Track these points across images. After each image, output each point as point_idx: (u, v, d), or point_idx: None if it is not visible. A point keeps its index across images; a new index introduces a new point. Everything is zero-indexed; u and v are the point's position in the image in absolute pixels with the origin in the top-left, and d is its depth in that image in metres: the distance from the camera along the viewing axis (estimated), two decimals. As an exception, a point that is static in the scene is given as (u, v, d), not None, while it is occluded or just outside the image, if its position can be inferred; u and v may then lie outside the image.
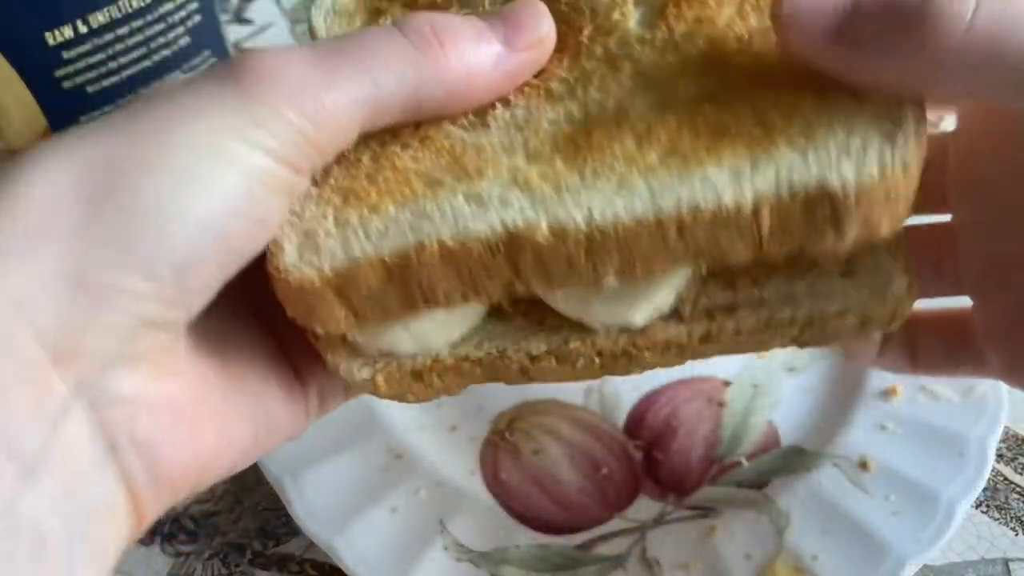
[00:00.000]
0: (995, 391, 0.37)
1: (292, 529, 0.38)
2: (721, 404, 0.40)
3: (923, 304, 0.26)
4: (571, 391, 0.41)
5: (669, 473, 0.38)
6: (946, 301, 0.29)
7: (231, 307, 0.25)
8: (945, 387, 0.38)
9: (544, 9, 0.24)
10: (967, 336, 0.28)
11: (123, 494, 0.21)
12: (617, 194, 0.22)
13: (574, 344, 0.25)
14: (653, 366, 0.26)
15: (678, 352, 0.26)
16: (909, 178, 0.21)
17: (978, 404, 0.37)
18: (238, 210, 0.21)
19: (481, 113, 0.24)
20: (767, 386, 0.40)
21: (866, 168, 0.21)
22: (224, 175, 0.21)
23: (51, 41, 0.39)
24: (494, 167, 0.23)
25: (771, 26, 0.23)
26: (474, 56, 0.23)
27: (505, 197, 0.23)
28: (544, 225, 0.22)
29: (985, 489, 0.37)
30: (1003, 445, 0.39)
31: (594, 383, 0.41)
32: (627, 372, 0.26)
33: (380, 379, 0.25)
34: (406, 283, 0.23)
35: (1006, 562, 0.36)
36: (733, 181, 0.21)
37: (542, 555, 0.35)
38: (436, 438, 0.39)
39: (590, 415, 0.40)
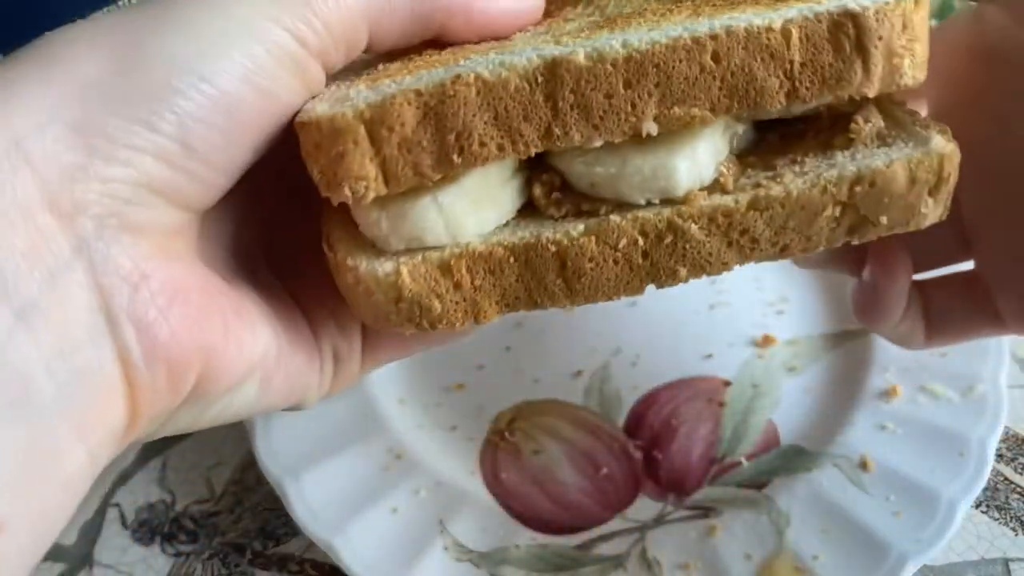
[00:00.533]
0: (995, 391, 0.37)
1: (292, 529, 0.38)
2: (721, 404, 0.40)
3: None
4: (571, 391, 0.41)
5: (669, 473, 0.38)
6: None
7: (254, 259, 0.26)
8: (945, 387, 0.38)
9: None
10: (978, 293, 0.29)
11: (118, 373, 0.21)
12: (651, 31, 0.22)
13: (615, 219, 0.24)
14: (704, 254, 0.24)
15: (727, 226, 0.24)
16: (921, 11, 0.22)
17: (978, 404, 0.37)
18: (245, 75, 0.21)
19: (502, 40, 0.25)
20: (767, 386, 0.40)
21: None
22: (234, 39, 0.21)
23: (51, 41, 0.39)
24: (523, 38, 0.24)
25: None
26: None
27: (539, 45, 0.23)
28: (582, 53, 0.22)
29: (985, 489, 0.37)
30: (1003, 445, 0.39)
31: (594, 383, 0.41)
32: (676, 268, 0.24)
33: (405, 272, 0.24)
34: (440, 125, 0.22)
35: (1006, 562, 0.36)
36: (760, 14, 0.22)
37: (542, 555, 0.35)
38: (436, 438, 0.39)
39: (590, 415, 0.40)
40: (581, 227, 0.24)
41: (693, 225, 0.24)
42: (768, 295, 0.44)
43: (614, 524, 0.36)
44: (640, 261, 0.24)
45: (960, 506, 0.34)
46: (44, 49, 0.21)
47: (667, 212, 0.24)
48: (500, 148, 0.23)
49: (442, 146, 0.23)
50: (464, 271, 0.24)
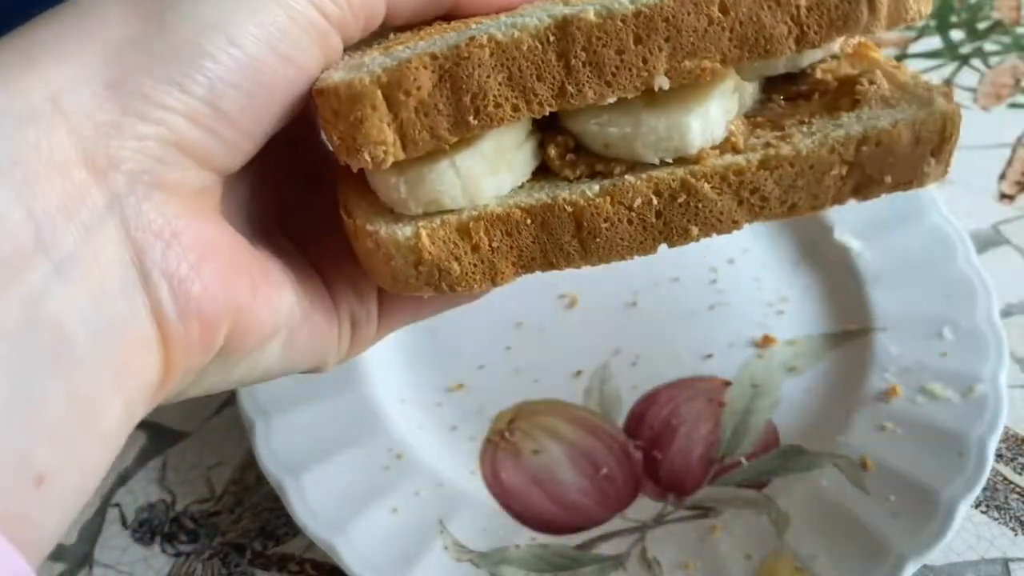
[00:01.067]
0: (995, 391, 0.37)
1: (292, 529, 0.38)
2: (721, 404, 0.40)
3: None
4: (571, 391, 0.41)
5: (669, 473, 0.38)
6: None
7: (271, 224, 0.27)
8: (945, 387, 0.38)
9: None
10: None
11: (152, 326, 0.21)
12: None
13: (629, 179, 0.24)
14: (716, 213, 0.25)
15: (738, 185, 0.24)
16: None
17: (978, 404, 0.37)
18: (270, 40, 0.22)
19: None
20: (767, 386, 0.40)
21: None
22: (259, 5, 0.22)
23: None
24: (533, 8, 0.24)
25: None
26: None
27: (549, 6, 0.23)
28: (592, 11, 0.22)
29: (985, 489, 0.37)
30: (1003, 445, 0.39)
31: (594, 383, 0.41)
32: (689, 227, 0.25)
33: (424, 235, 0.24)
34: (456, 87, 0.23)
35: (1006, 562, 0.36)
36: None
37: (542, 555, 0.35)
38: (436, 438, 0.39)
39: (590, 415, 0.40)
40: (596, 188, 0.25)
41: (706, 184, 0.24)
42: (768, 295, 0.44)
43: (614, 524, 0.36)
44: (653, 220, 0.25)
45: (960, 506, 0.34)
46: (77, 9, 0.21)
47: (680, 172, 0.24)
48: (515, 108, 0.23)
49: (458, 108, 0.23)
50: (482, 233, 0.24)
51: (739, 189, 0.24)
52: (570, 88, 0.23)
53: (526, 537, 0.36)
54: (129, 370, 0.21)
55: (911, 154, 0.24)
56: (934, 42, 0.58)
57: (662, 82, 0.23)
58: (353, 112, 0.23)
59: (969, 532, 0.37)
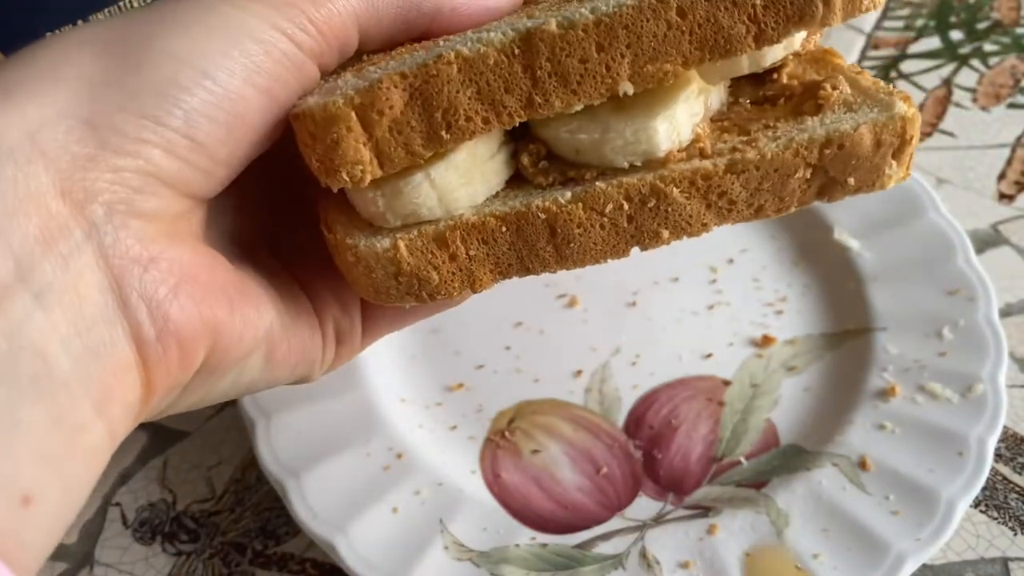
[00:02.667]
0: (994, 391, 0.37)
1: (293, 528, 0.38)
2: (721, 403, 0.40)
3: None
4: (571, 391, 0.41)
5: (669, 472, 0.38)
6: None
7: (253, 242, 0.27)
8: (944, 387, 0.38)
9: None
10: None
11: (131, 349, 0.22)
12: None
13: (601, 185, 0.25)
14: (685, 216, 0.25)
15: (706, 189, 0.25)
16: None
17: (977, 404, 0.37)
18: (245, 73, 0.22)
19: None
20: (766, 385, 0.40)
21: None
22: (234, 39, 0.22)
23: (52, 41, 0.39)
24: (498, 25, 0.25)
25: None
26: None
27: (513, 20, 0.24)
28: (553, 22, 0.23)
29: (984, 488, 0.37)
30: (1002, 445, 0.39)
31: (594, 382, 0.41)
32: (660, 230, 0.26)
33: (402, 246, 0.25)
34: (427, 104, 0.24)
35: (1005, 561, 0.36)
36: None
37: (542, 554, 0.35)
38: (436, 438, 0.40)
39: (590, 414, 0.40)
40: (568, 194, 0.25)
41: (675, 188, 0.25)
42: (767, 295, 0.44)
43: (614, 523, 0.37)
44: (625, 225, 0.25)
45: (959, 505, 0.34)
46: (51, 47, 0.21)
47: (650, 177, 0.25)
48: (485, 121, 0.24)
49: (430, 124, 0.24)
50: (459, 242, 0.25)
51: (707, 193, 0.25)
52: (537, 98, 0.24)
53: (526, 536, 0.36)
54: (111, 392, 0.21)
55: (873, 156, 0.25)
56: (933, 42, 0.58)
57: (627, 87, 0.24)
58: (329, 134, 0.23)
59: (968, 531, 0.37)
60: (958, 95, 0.55)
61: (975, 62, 0.57)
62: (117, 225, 0.21)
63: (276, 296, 0.27)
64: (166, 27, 0.22)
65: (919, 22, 0.60)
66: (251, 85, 0.23)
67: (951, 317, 0.40)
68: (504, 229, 0.25)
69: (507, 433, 0.40)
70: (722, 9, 0.23)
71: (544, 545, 0.36)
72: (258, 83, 0.23)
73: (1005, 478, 0.38)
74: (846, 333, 0.42)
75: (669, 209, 0.25)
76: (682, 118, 0.25)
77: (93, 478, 0.21)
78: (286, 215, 0.29)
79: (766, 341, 0.42)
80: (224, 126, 0.22)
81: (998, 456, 0.39)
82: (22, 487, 0.19)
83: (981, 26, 0.59)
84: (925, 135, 0.53)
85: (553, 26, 0.23)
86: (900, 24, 0.60)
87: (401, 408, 0.40)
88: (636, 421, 0.40)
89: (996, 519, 0.37)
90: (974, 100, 0.54)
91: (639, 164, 0.25)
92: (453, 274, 0.25)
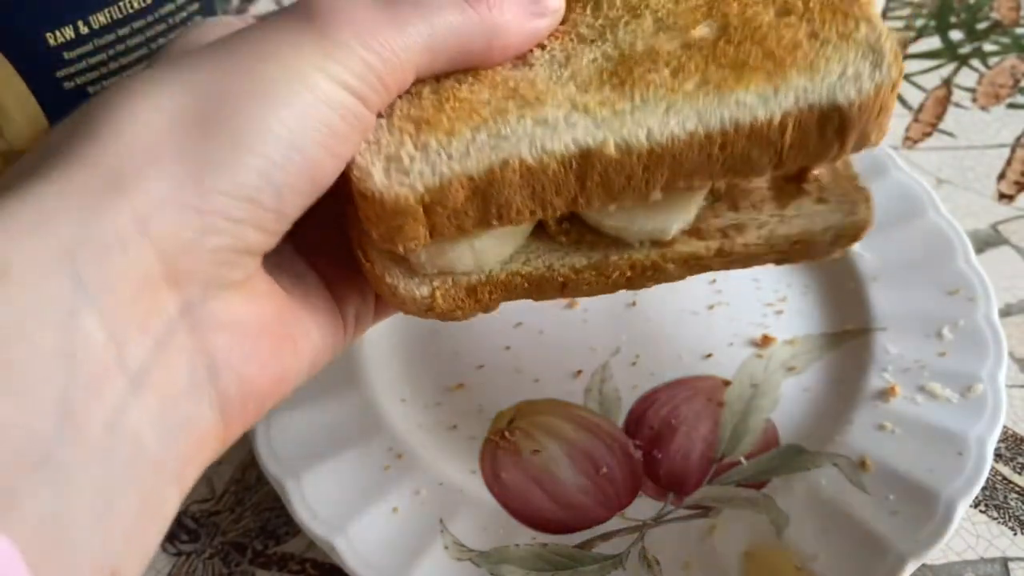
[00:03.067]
0: (994, 391, 0.37)
1: (293, 528, 0.38)
2: (720, 403, 0.40)
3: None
4: (571, 391, 0.41)
5: (668, 472, 0.38)
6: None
7: (281, 247, 0.27)
8: (944, 387, 0.38)
9: None
10: None
11: (216, 414, 0.22)
12: (668, 115, 0.26)
13: (613, 258, 0.29)
14: (671, 279, 0.30)
15: (696, 266, 0.30)
16: (894, 94, 0.26)
17: (977, 404, 0.37)
18: (325, 141, 0.23)
19: (521, 55, 0.27)
20: (766, 385, 0.40)
21: (865, 87, 0.26)
22: (312, 105, 0.22)
23: (52, 42, 0.39)
24: (552, 96, 0.26)
25: None
26: (512, 9, 0.26)
27: (570, 120, 0.26)
28: (612, 143, 0.26)
29: (984, 488, 0.37)
30: (1002, 445, 0.39)
31: (594, 383, 0.41)
32: (647, 284, 0.30)
33: (439, 296, 0.28)
34: (486, 201, 0.26)
35: (1005, 561, 0.36)
36: (762, 103, 0.26)
37: (542, 554, 0.35)
38: (436, 438, 0.40)
39: (590, 414, 0.40)
40: (585, 261, 0.29)
41: (671, 264, 0.30)
42: (767, 295, 0.44)
43: (614, 523, 0.37)
44: (623, 283, 0.30)
45: (959, 505, 0.34)
46: (138, 123, 0.21)
47: (654, 255, 0.29)
48: (532, 213, 0.27)
49: (485, 214, 0.26)
50: (486, 293, 0.29)
51: (694, 267, 0.30)
52: (581, 200, 0.27)
53: (526, 536, 0.36)
54: (192, 461, 0.22)
55: (827, 248, 0.30)
56: (933, 42, 0.58)
57: (656, 196, 0.27)
58: (395, 221, 0.25)
59: (968, 531, 0.37)
60: (958, 95, 0.55)
61: (975, 62, 0.57)
62: (209, 299, 0.22)
63: (315, 309, 0.27)
64: (251, 97, 0.22)
65: (919, 22, 0.60)
66: (330, 153, 0.23)
67: (951, 317, 0.40)
68: (526, 285, 0.29)
69: (507, 433, 0.40)
70: (757, 146, 0.26)
71: (544, 545, 0.36)
72: (334, 149, 0.23)
73: (1005, 478, 0.38)
74: (846, 333, 0.42)
75: (661, 275, 0.30)
76: (693, 211, 0.30)
77: (162, 535, 0.22)
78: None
79: (766, 341, 0.42)
80: (306, 194, 0.23)
81: (998, 456, 0.39)
82: (111, 564, 0.20)
83: (981, 26, 0.59)
84: (925, 135, 0.53)
85: (612, 149, 0.26)
86: (900, 24, 0.60)
87: (401, 408, 0.41)
88: (636, 421, 0.40)
89: (996, 519, 0.37)
90: (974, 100, 0.54)
91: (647, 243, 0.29)
92: (474, 310, 0.29)
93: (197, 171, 0.21)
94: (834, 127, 0.26)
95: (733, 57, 0.26)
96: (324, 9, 0.23)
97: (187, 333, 0.21)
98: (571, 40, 0.28)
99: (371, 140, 0.25)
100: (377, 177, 0.25)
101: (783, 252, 0.30)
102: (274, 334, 0.24)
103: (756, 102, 0.26)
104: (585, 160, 0.26)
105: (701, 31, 0.27)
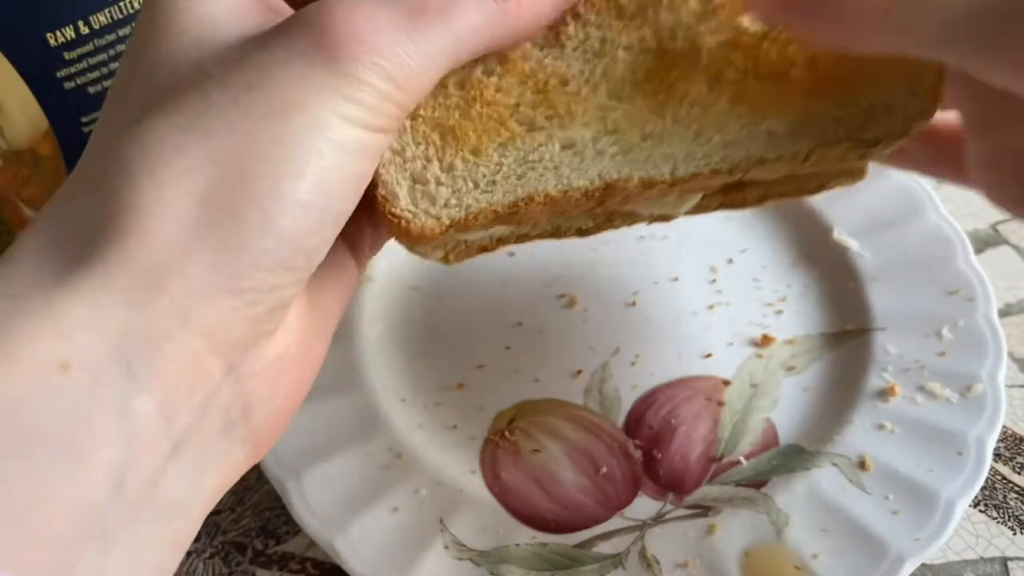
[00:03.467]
0: (993, 391, 0.37)
1: (293, 528, 0.38)
2: (720, 403, 0.40)
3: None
4: (571, 390, 0.41)
5: (668, 472, 0.38)
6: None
7: None
8: (943, 387, 0.38)
9: None
10: (955, 150, 0.29)
11: (247, 448, 0.23)
12: (695, 143, 0.25)
13: (617, 221, 0.29)
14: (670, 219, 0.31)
15: (698, 209, 0.30)
16: (925, 123, 0.26)
17: (976, 404, 0.37)
18: (351, 189, 0.22)
19: (553, 28, 0.26)
20: (766, 385, 0.40)
21: (898, 123, 0.25)
22: (338, 161, 0.22)
23: (53, 42, 0.39)
24: (582, 108, 0.25)
25: None
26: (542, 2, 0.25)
27: (599, 146, 0.25)
28: (636, 178, 0.25)
29: (983, 488, 0.37)
30: (1001, 444, 0.39)
31: (594, 382, 0.41)
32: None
33: (451, 256, 0.29)
34: (508, 221, 0.26)
35: (1004, 561, 0.36)
36: (791, 136, 0.25)
37: (542, 553, 0.35)
38: (436, 437, 0.40)
39: (590, 414, 0.40)
40: (591, 223, 0.30)
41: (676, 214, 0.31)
42: (767, 295, 0.44)
43: (613, 523, 0.37)
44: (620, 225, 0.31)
45: (958, 505, 0.34)
46: (159, 216, 0.21)
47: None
48: (549, 223, 0.28)
49: (505, 224, 0.27)
50: (495, 243, 0.29)
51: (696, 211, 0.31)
52: (598, 210, 0.27)
53: (526, 536, 0.36)
54: (220, 492, 0.23)
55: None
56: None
57: (671, 199, 0.28)
58: (420, 242, 0.25)
59: (968, 531, 0.37)
60: (958, 95, 0.55)
61: (975, 62, 0.57)
62: (250, 355, 0.22)
63: (335, 280, 0.27)
64: (274, 164, 0.21)
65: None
66: (356, 193, 0.23)
67: (951, 317, 0.40)
68: (534, 234, 0.30)
69: (507, 433, 0.40)
70: (777, 168, 0.26)
71: (544, 544, 0.36)
72: (360, 188, 0.23)
73: (1004, 478, 0.38)
74: (846, 333, 0.42)
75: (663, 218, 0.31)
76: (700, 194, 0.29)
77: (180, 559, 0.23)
78: None
79: (766, 341, 0.42)
80: (332, 234, 0.23)
81: (997, 456, 0.39)
82: None
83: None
84: (925, 135, 0.53)
85: (636, 182, 0.25)
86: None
87: (401, 408, 0.41)
88: (636, 421, 0.40)
89: (995, 519, 0.37)
90: (974, 100, 0.54)
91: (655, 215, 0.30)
92: (480, 253, 0.29)
93: (230, 256, 0.21)
94: (859, 153, 0.26)
95: (775, 65, 0.25)
96: (339, 35, 0.21)
97: (229, 388, 0.22)
98: (608, 12, 0.26)
99: (396, 148, 0.25)
100: (403, 202, 0.25)
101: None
102: (300, 357, 0.24)
103: (786, 133, 0.25)
104: (609, 189, 0.25)
105: (748, 21, 0.26)
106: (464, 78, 0.25)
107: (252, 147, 0.21)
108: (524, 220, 0.26)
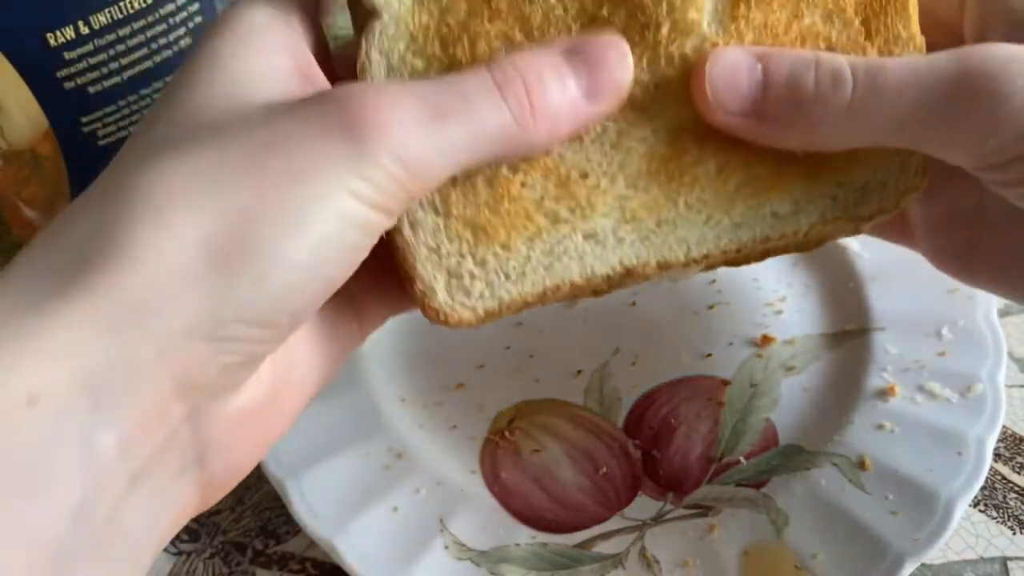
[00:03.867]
0: (993, 391, 0.37)
1: (293, 528, 0.38)
2: (720, 403, 0.40)
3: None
4: (571, 390, 0.41)
5: (668, 472, 0.38)
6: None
7: None
8: (943, 387, 0.38)
9: (627, 50, 0.26)
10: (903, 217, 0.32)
11: (198, 491, 0.23)
12: (707, 226, 0.27)
13: (629, 284, 0.29)
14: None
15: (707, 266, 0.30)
16: (914, 197, 0.28)
17: (976, 404, 0.37)
18: (345, 260, 0.23)
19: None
20: (766, 385, 0.41)
21: (891, 198, 0.28)
22: (338, 230, 0.22)
23: (53, 42, 0.39)
24: (603, 199, 0.27)
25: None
26: (559, 118, 0.25)
27: (618, 234, 0.27)
28: (654, 262, 0.27)
29: (983, 488, 0.37)
30: (1001, 444, 0.39)
31: (594, 382, 0.41)
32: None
33: (481, 322, 0.28)
34: (537, 305, 0.28)
35: (1004, 561, 0.36)
36: (792, 216, 0.28)
37: (542, 553, 0.35)
38: (436, 437, 0.40)
39: (590, 414, 0.40)
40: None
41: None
42: (767, 295, 0.44)
43: (613, 523, 0.37)
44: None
45: (958, 505, 0.34)
46: (163, 251, 0.21)
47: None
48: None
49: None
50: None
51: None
52: (616, 286, 0.28)
53: (526, 535, 0.36)
54: (170, 534, 0.23)
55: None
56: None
57: (678, 273, 0.29)
58: (453, 327, 0.27)
59: (967, 531, 0.37)
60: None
61: (974, 62, 0.57)
62: (215, 404, 0.22)
63: (326, 339, 0.28)
64: (278, 225, 0.21)
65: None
66: (346, 266, 0.23)
67: (950, 317, 0.40)
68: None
69: (507, 433, 0.40)
70: (778, 247, 0.29)
71: (544, 544, 0.36)
72: (352, 261, 0.23)
73: (1004, 477, 0.38)
74: (845, 333, 0.42)
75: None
76: None
77: None
78: None
79: (766, 341, 0.42)
80: (318, 303, 0.23)
81: (997, 456, 0.39)
82: None
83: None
84: (924, 135, 0.53)
85: (653, 268, 0.27)
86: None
87: (401, 408, 0.41)
88: (636, 421, 0.40)
89: (995, 519, 0.37)
90: (973, 100, 0.54)
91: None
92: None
93: (217, 307, 0.21)
94: (852, 228, 0.29)
95: (775, 148, 0.27)
96: (366, 117, 0.22)
97: (188, 431, 0.22)
98: (624, 107, 0.27)
99: (431, 246, 0.26)
100: (440, 296, 0.26)
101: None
102: (266, 413, 0.25)
103: (788, 213, 0.28)
104: (629, 273, 0.27)
105: None
106: (492, 177, 0.26)
107: (260, 206, 0.21)
108: (550, 302, 0.28)
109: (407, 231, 0.26)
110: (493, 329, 0.43)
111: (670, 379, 0.41)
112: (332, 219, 0.22)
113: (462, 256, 0.26)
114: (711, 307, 0.44)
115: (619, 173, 0.27)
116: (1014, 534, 0.37)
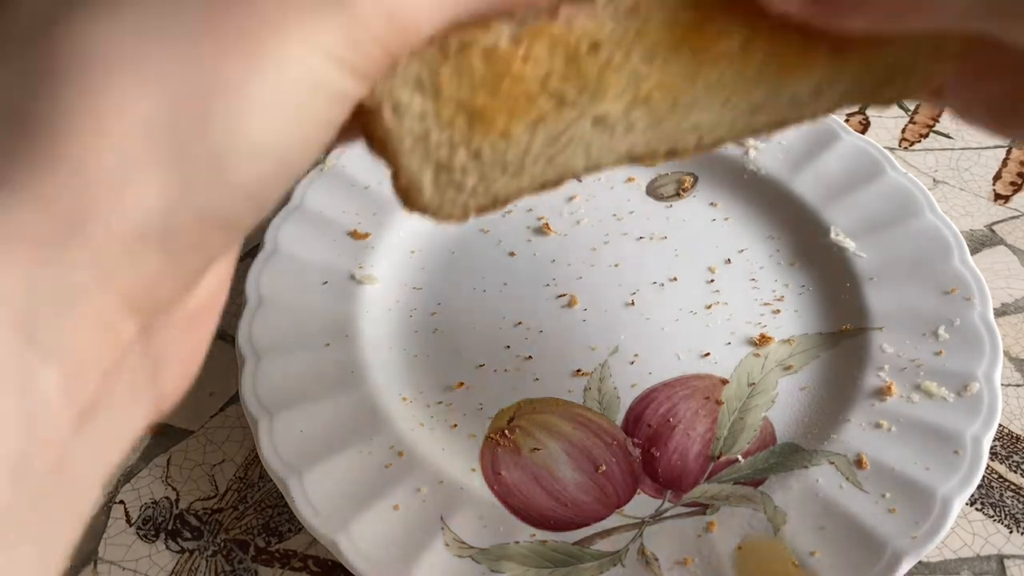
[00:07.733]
0: (990, 390, 0.38)
1: (295, 526, 0.39)
2: (718, 402, 0.40)
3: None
4: (570, 389, 0.41)
5: (667, 470, 0.38)
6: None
7: None
8: (939, 386, 0.38)
9: None
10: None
11: (152, 408, 0.21)
12: (723, 109, 0.24)
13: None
14: None
15: None
16: (947, 78, 0.25)
17: (973, 402, 0.37)
18: (317, 139, 0.19)
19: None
20: (763, 384, 0.41)
21: (917, 81, 0.25)
22: (312, 101, 0.18)
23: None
24: (615, 77, 0.23)
25: None
26: None
27: (630, 120, 0.24)
28: (663, 151, 0.25)
29: (980, 486, 0.37)
30: (998, 443, 0.40)
31: (593, 381, 0.41)
32: None
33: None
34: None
35: (1001, 559, 0.36)
36: (812, 99, 0.25)
37: (541, 551, 0.36)
38: (437, 436, 0.40)
39: (589, 413, 0.40)
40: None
41: None
42: (765, 295, 0.44)
43: (612, 520, 0.37)
44: None
45: (955, 503, 0.34)
46: (99, 138, 0.17)
47: None
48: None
49: None
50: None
51: None
52: None
53: (525, 533, 0.36)
54: (118, 461, 0.20)
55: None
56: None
57: None
58: (440, 222, 0.24)
59: (964, 529, 0.37)
60: (955, 96, 0.55)
61: (972, 64, 0.57)
62: (166, 311, 0.20)
63: None
64: (237, 97, 0.17)
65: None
66: (318, 143, 0.19)
67: (947, 317, 0.40)
68: None
69: (507, 431, 0.40)
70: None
71: (544, 542, 0.36)
72: (322, 138, 0.19)
73: (1001, 476, 0.39)
74: (842, 332, 0.42)
75: None
76: None
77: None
78: None
79: (763, 340, 0.42)
80: (280, 193, 0.20)
81: (994, 454, 0.39)
82: None
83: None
84: (921, 136, 0.53)
85: (662, 155, 0.25)
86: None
87: (402, 407, 0.41)
88: (634, 420, 0.40)
89: (992, 517, 0.37)
90: (971, 101, 0.55)
91: None
92: None
93: (171, 206, 0.17)
94: (868, 105, 0.26)
95: (801, 32, 0.24)
96: None
97: (139, 350, 0.19)
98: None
99: (418, 133, 0.22)
100: (428, 192, 0.23)
101: None
102: (212, 305, 0.22)
103: (808, 96, 0.24)
104: (634, 162, 0.25)
105: None
106: (490, 50, 0.22)
107: (216, 74, 0.17)
108: (544, 192, 0.25)
109: (388, 116, 0.21)
110: (493, 329, 0.43)
111: (668, 378, 0.41)
112: (305, 87, 0.18)
113: (454, 147, 0.22)
114: (709, 307, 0.44)
115: (635, 44, 0.23)
116: (1011, 532, 0.37)
